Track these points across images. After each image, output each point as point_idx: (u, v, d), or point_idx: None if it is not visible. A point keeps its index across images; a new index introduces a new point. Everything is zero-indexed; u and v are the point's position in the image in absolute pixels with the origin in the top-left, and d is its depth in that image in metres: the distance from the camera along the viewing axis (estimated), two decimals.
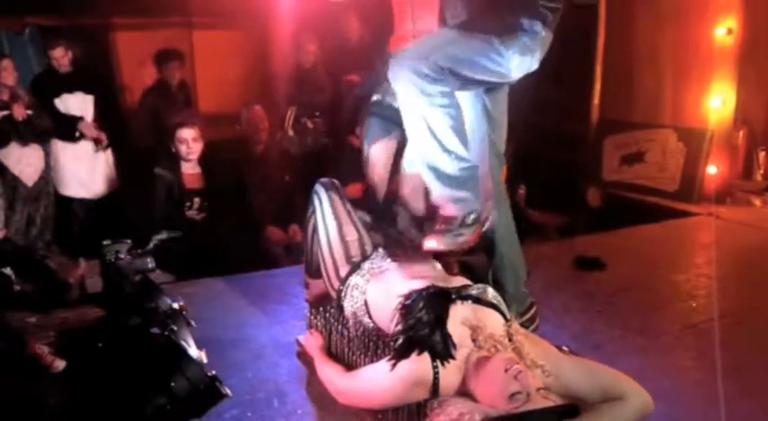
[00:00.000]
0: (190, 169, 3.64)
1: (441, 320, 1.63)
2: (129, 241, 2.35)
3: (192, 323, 1.89)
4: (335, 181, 2.30)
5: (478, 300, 1.76)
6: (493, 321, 1.73)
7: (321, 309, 2.29)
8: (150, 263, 2.59)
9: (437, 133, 2.03)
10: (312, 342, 2.15)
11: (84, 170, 4.39)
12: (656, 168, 5.06)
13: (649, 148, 5.09)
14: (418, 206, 2.51)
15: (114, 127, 4.52)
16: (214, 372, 1.66)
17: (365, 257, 2.06)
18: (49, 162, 4.21)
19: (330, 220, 2.16)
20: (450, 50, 2.05)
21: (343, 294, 2.03)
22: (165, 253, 3.32)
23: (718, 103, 4.81)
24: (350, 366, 1.99)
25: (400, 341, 1.65)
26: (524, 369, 1.57)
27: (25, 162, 4.03)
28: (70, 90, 4.31)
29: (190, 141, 3.57)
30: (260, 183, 4.00)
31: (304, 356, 2.23)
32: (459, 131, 2.06)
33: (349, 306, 2.01)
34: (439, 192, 2.08)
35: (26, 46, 4.89)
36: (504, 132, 2.33)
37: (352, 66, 4.75)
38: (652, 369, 2.21)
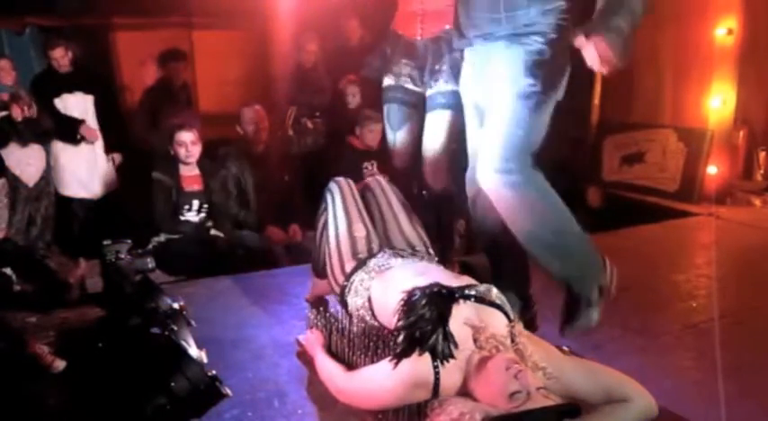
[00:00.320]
0: (188, 171, 3.64)
1: (443, 318, 1.63)
2: (129, 241, 2.35)
3: (192, 323, 1.89)
4: (350, 181, 2.34)
5: (482, 300, 1.76)
6: (496, 321, 1.73)
7: (322, 308, 2.30)
8: (150, 263, 2.60)
9: (547, 215, 2.12)
10: (312, 340, 2.15)
11: (85, 170, 4.38)
12: (656, 168, 5.06)
13: (649, 149, 5.09)
14: (437, 185, 2.74)
15: (114, 127, 4.52)
16: (214, 372, 1.66)
17: (371, 255, 2.07)
18: (50, 162, 4.21)
19: (340, 216, 2.19)
20: (520, 135, 2.10)
21: (347, 290, 2.03)
22: (164, 254, 3.34)
23: (718, 103, 4.81)
24: (350, 366, 1.99)
25: (401, 337, 1.65)
26: (524, 368, 1.57)
27: (25, 162, 4.03)
28: (70, 90, 4.30)
29: (188, 144, 3.56)
30: (260, 183, 4.00)
31: (304, 356, 2.23)
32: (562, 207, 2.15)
33: (353, 302, 2.01)
34: (559, 273, 2.17)
35: (26, 46, 4.88)
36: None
37: (353, 66, 4.76)
38: (652, 369, 2.21)
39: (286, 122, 4.63)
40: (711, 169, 4.86)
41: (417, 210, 2.42)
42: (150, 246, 3.43)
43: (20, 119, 3.92)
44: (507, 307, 1.79)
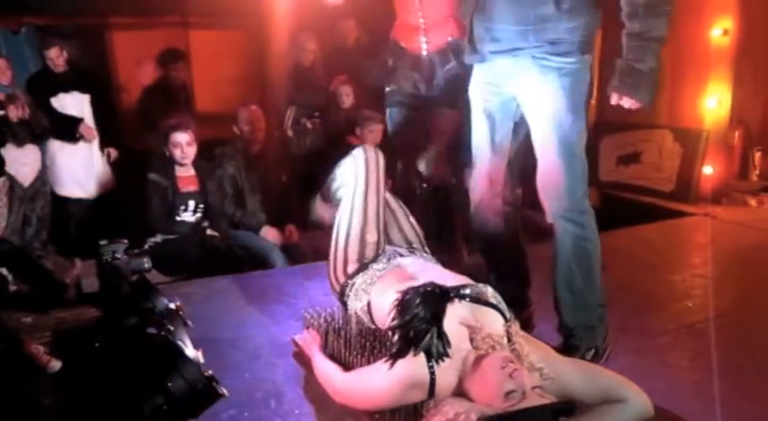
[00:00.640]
0: (184, 172, 3.63)
1: (437, 317, 1.63)
2: (125, 241, 2.34)
3: (189, 323, 1.88)
4: (378, 151, 2.29)
5: (478, 300, 1.76)
6: (492, 321, 1.73)
7: (318, 308, 2.30)
8: (147, 263, 2.58)
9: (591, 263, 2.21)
10: (309, 341, 2.15)
11: (81, 170, 4.37)
12: (652, 169, 5.07)
13: (646, 149, 5.10)
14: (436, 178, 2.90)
15: (110, 126, 4.51)
16: (211, 372, 1.65)
17: (375, 259, 2.07)
18: (46, 162, 4.20)
19: (358, 209, 2.15)
20: (578, 172, 2.19)
21: (348, 291, 2.04)
22: (160, 254, 3.33)
23: (714, 103, 4.82)
24: (347, 366, 1.99)
25: (396, 337, 1.65)
26: (519, 367, 1.57)
27: (21, 162, 4.01)
28: (66, 90, 4.30)
29: (184, 145, 3.55)
30: (257, 184, 4.00)
31: (301, 356, 2.23)
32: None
33: (353, 305, 2.02)
34: (572, 320, 2.23)
35: (22, 45, 4.87)
36: None
37: (348, 67, 4.77)
38: (648, 368, 2.22)
39: (285, 123, 4.62)
40: (707, 169, 4.87)
41: (416, 205, 2.45)
42: (146, 247, 3.42)
43: (16, 119, 3.91)
44: (503, 306, 1.79)
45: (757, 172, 5.08)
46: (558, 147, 2.15)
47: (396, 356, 1.64)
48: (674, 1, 2.08)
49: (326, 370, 1.95)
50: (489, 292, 1.80)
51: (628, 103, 2.13)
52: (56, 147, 4.27)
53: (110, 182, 4.51)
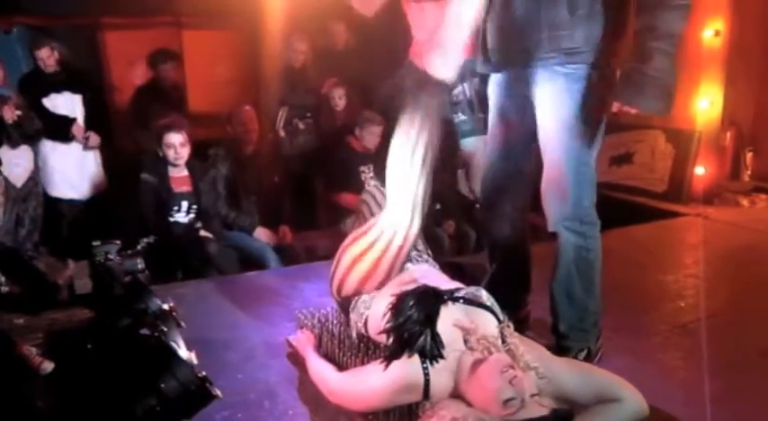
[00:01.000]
0: (177, 173, 3.62)
1: (430, 319, 1.63)
2: (118, 242, 2.33)
3: (182, 324, 1.88)
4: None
5: (471, 302, 1.76)
6: (486, 323, 1.73)
7: (312, 309, 2.30)
8: (140, 263, 2.57)
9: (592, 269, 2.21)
10: (303, 340, 2.15)
11: (73, 171, 4.35)
12: (644, 169, 5.09)
13: (638, 150, 5.12)
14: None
15: (103, 127, 4.49)
16: (204, 373, 1.65)
17: None
18: (38, 162, 4.18)
19: (379, 276, 2.04)
20: (587, 183, 2.15)
21: (352, 306, 2.04)
22: (153, 255, 3.32)
23: (706, 104, 4.85)
24: (341, 367, 1.99)
25: (390, 340, 1.65)
26: (520, 374, 1.55)
27: (14, 163, 3.99)
28: (58, 90, 4.28)
29: (177, 146, 3.54)
30: (250, 185, 3.99)
31: (295, 357, 2.23)
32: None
33: (354, 318, 2.02)
34: (567, 322, 2.24)
35: (14, 45, 4.84)
36: None
37: (339, 69, 4.79)
38: (641, 368, 2.22)
39: (277, 123, 4.62)
40: (699, 170, 4.89)
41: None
42: (139, 247, 3.41)
43: (10, 120, 3.89)
44: (497, 308, 1.79)
45: (749, 172, 5.11)
46: (564, 154, 2.11)
47: (390, 358, 1.64)
48: None
49: (321, 369, 1.95)
50: (483, 295, 1.80)
51: (634, 110, 2.03)
52: (48, 147, 4.25)
53: (102, 182, 4.49)
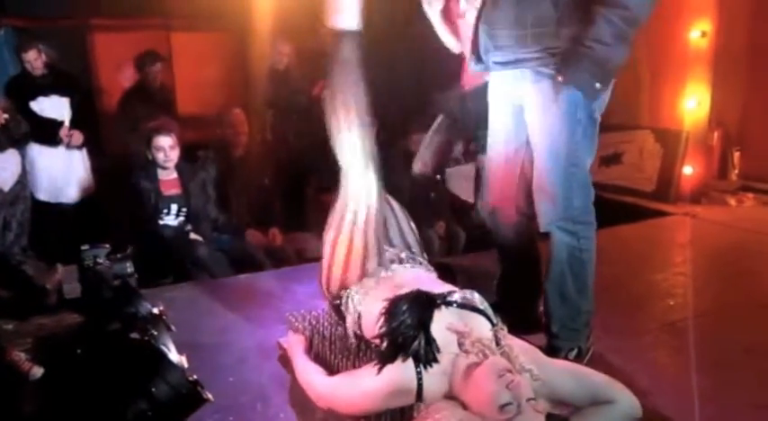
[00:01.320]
0: (166, 176, 3.60)
1: (424, 323, 1.63)
2: (107, 246, 2.33)
3: (173, 327, 1.87)
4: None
5: (464, 306, 1.77)
6: (480, 326, 1.73)
7: (303, 311, 2.29)
8: (129, 267, 2.56)
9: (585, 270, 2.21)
10: (294, 342, 2.13)
11: (61, 174, 4.32)
12: (633, 169, 5.12)
13: (626, 150, 5.15)
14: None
15: (91, 130, 4.47)
16: (196, 377, 1.65)
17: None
18: (26, 166, 4.15)
19: (359, 240, 2.04)
20: (585, 186, 2.16)
21: (343, 301, 2.03)
22: (143, 258, 3.30)
23: (693, 104, 4.89)
24: (332, 369, 1.98)
25: (384, 344, 1.65)
26: (517, 378, 1.54)
27: (1, 166, 3.95)
28: (45, 93, 4.24)
29: (167, 149, 3.52)
30: (240, 187, 3.99)
31: (287, 359, 2.22)
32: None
33: (348, 317, 2.02)
34: (558, 321, 2.24)
35: (1, 48, 4.80)
36: None
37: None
38: (630, 367, 2.23)
39: (265, 125, 4.61)
40: (687, 169, 4.93)
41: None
42: (129, 251, 3.40)
43: None
44: (490, 311, 1.79)
45: (736, 172, 5.15)
46: (552, 156, 2.12)
47: (384, 362, 1.64)
48: None
49: (309, 373, 1.93)
50: (476, 298, 1.80)
51: (562, 81, 2.03)
52: (36, 151, 4.21)
53: (91, 186, 4.46)
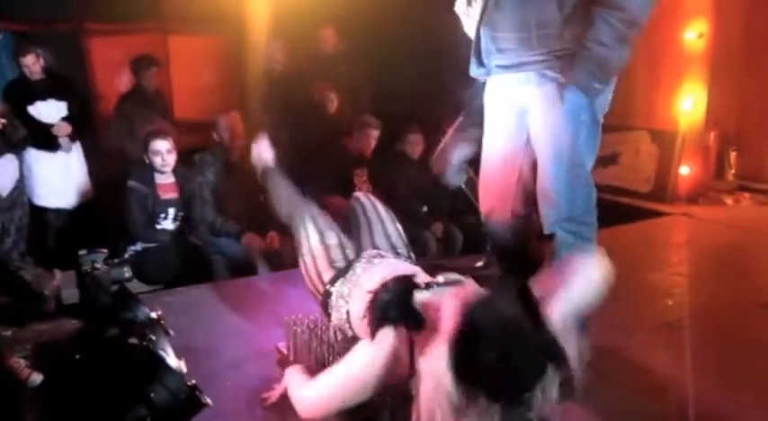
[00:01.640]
0: (164, 180, 3.61)
1: (405, 301, 1.68)
2: (105, 251, 2.32)
3: (171, 332, 1.87)
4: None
5: (447, 285, 1.77)
6: None
7: (301, 315, 2.29)
8: (127, 272, 2.55)
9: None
10: (291, 375, 1.99)
11: (59, 179, 4.32)
12: (629, 170, 5.14)
13: (623, 151, 5.17)
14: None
15: (88, 134, 4.47)
16: (194, 382, 1.65)
17: (349, 264, 2.06)
18: (23, 171, 4.14)
19: (311, 228, 2.19)
20: (588, 190, 2.18)
21: (331, 303, 2.02)
22: (141, 263, 3.30)
23: (689, 105, 4.90)
24: None
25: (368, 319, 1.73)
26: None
27: None
28: (43, 97, 4.25)
29: (164, 153, 3.52)
30: (237, 191, 3.98)
31: (284, 364, 2.23)
32: None
33: (335, 318, 2.01)
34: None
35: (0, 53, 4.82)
36: None
37: (325, 73, 4.79)
38: (629, 366, 2.24)
39: (259, 129, 4.61)
40: (684, 170, 4.94)
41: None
42: (127, 256, 3.39)
43: None
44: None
45: (733, 171, 5.17)
46: (556, 158, 2.12)
47: (375, 328, 1.67)
48: None
49: (304, 391, 1.82)
50: (463, 280, 1.81)
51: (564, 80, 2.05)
52: (33, 156, 4.22)
53: (89, 190, 4.46)
